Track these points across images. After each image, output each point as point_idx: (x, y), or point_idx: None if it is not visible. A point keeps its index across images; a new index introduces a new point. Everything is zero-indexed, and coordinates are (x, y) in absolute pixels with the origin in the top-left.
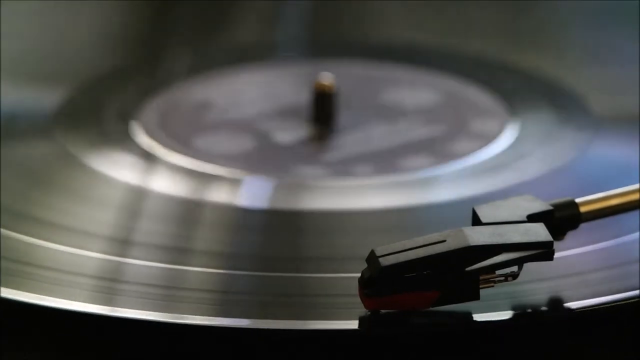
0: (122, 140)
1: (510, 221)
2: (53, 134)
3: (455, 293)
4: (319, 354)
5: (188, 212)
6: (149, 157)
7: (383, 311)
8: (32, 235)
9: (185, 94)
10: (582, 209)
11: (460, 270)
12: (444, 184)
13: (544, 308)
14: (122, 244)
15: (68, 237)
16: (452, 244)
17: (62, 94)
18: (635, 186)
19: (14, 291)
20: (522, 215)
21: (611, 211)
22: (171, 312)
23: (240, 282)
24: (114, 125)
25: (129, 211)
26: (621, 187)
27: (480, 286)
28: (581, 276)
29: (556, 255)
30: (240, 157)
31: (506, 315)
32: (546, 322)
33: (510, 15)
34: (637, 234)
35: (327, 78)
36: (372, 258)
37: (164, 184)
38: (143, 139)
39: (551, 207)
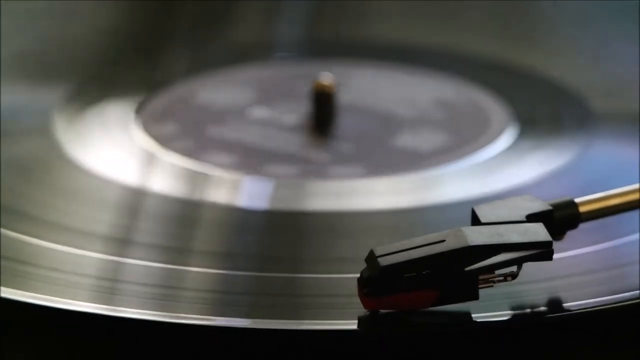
0: (122, 140)
1: (510, 221)
2: (52, 134)
3: (455, 293)
4: (318, 354)
5: (187, 212)
6: (148, 157)
7: (382, 311)
8: (32, 235)
9: (184, 93)
10: (582, 209)
11: (459, 270)
12: (443, 184)
13: (543, 308)
14: (122, 243)
15: (67, 237)
16: (451, 243)
17: (61, 93)
18: (635, 186)
19: (14, 291)
20: (522, 215)
21: (611, 211)
22: (170, 312)
23: (240, 282)
24: (114, 125)
25: (128, 211)
26: (621, 187)
27: (480, 286)
28: (580, 276)
29: (555, 255)
30: (239, 156)
31: (505, 315)
32: (545, 322)
33: (510, 15)
34: (637, 234)
35: (327, 78)
36: (371, 258)
37: (164, 184)
38: (142, 139)
39: (550, 207)
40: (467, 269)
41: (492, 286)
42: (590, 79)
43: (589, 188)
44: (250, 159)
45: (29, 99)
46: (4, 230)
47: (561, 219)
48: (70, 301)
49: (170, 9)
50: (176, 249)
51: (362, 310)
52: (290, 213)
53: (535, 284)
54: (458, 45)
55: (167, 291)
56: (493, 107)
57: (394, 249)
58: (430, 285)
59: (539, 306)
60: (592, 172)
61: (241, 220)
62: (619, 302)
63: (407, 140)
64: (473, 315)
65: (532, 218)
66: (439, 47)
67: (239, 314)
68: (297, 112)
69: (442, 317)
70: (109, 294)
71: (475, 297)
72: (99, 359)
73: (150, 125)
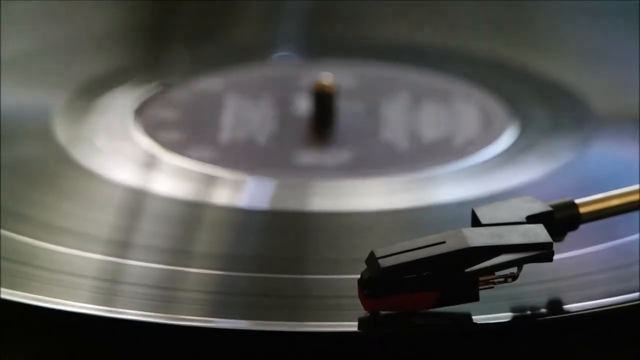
0: (122, 141)
1: (510, 222)
2: (53, 135)
3: (455, 294)
4: (318, 356)
5: (189, 213)
6: (148, 158)
7: (382, 312)
8: (32, 237)
9: (185, 93)
10: (582, 210)
11: (459, 271)
12: (443, 185)
13: (543, 309)
14: (123, 245)
15: (68, 238)
16: (451, 245)
17: (62, 94)
18: (635, 187)
19: (14, 292)
20: (522, 216)
21: (611, 212)
22: (171, 314)
23: (240, 284)
24: (114, 126)
25: (129, 212)
26: (621, 187)
27: (480, 287)
28: (581, 277)
29: (556, 256)
30: (240, 157)
31: (506, 316)
32: (545, 323)
33: (510, 15)
34: (637, 235)
35: (327, 78)
36: (371, 259)
37: (164, 185)
38: (143, 140)
39: (551, 208)
40: (468, 270)
41: (492, 287)
42: (590, 78)
43: (589, 188)
44: (250, 160)
45: (30, 100)
46: (4, 232)
47: (561, 220)
48: (70, 302)
49: (170, 10)
50: (176, 250)
51: (362, 312)
52: (290, 213)
53: (535, 285)
54: (458, 44)
55: (167, 293)
56: (493, 107)
57: (395, 250)
58: (431, 286)
59: (539, 307)
60: (592, 172)
61: (241, 221)
62: (620, 303)
63: (406, 140)
64: (473, 317)
65: (532, 219)
66: (439, 47)
67: (239, 316)
68: (296, 112)
69: (443, 319)
70: (109, 296)
71: (475, 298)
72: None
73: (151, 126)
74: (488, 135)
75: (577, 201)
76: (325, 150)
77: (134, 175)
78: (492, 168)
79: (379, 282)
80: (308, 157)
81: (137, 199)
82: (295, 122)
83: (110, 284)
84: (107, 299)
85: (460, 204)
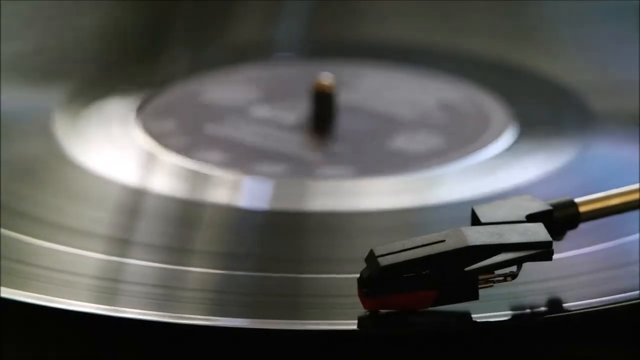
0: (122, 140)
1: (510, 221)
2: (52, 134)
3: (454, 293)
4: (318, 355)
5: (188, 212)
6: (148, 157)
7: (382, 311)
8: (32, 235)
9: (185, 93)
10: (582, 209)
11: (459, 270)
12: (443, 184)
13: (542, 308)
14: (122, 244)
15: (68, 237)
16: (451, 243)
17: (61, 94)
18: (635, 186)
19: (14, 291)
20: (521, 215)
21: (611, 211)
22: (171, 312)
23: (240, 283)
24: (114, 125)
25: (128, 211)
26: (621, 187)
27: (479, 286)
28: (580, 276)
29: (555, 255)
30: (239, 157)
31: (505, 315)
32: (545, 322)
33: (510, 15)
34: (637, 234)
35: (327, 78)
36: (371, 258)
37: (164, 184)
38: (143, 139)
39: (550, 207)
40: (467, 269)
41: (492, 286)
42: (590, 79)
43: (589, 188)
44: (250, 159)
45: (29, 99)
46: (4, 231)
47: (561, 219)
48: (70, 301)
49: (170, 9)
50: (176, 249)
51: (362, 310)
52: (290, 213)
53: (535, 284)
54: (458, 45)
55: (166, 291)
56: (493, 107)
57: (394, 249)
58: (430, 285)
59: (538, 306)
60: (592, 172)
61: (241, 220)
62: (619, 302)
63: (406, 139)
64: (473, 316)
65: (532, 218)
66: (439, 47)
67: (239, 314)
68: (297, 112)
69: (442, 317)
70: (109, 294)
71: (475, 297)
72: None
73: (151, 125)
74: (488, 135)
75: (577, 200)
76: (325, 150)
77: (134, 174)
78: (492, 167)
79: (378, 280)
80: (307, 156)
81: (137, 198)
82: (295, 122)
83: (109, 283)
84: (107, 298)
85: (460, 203)
